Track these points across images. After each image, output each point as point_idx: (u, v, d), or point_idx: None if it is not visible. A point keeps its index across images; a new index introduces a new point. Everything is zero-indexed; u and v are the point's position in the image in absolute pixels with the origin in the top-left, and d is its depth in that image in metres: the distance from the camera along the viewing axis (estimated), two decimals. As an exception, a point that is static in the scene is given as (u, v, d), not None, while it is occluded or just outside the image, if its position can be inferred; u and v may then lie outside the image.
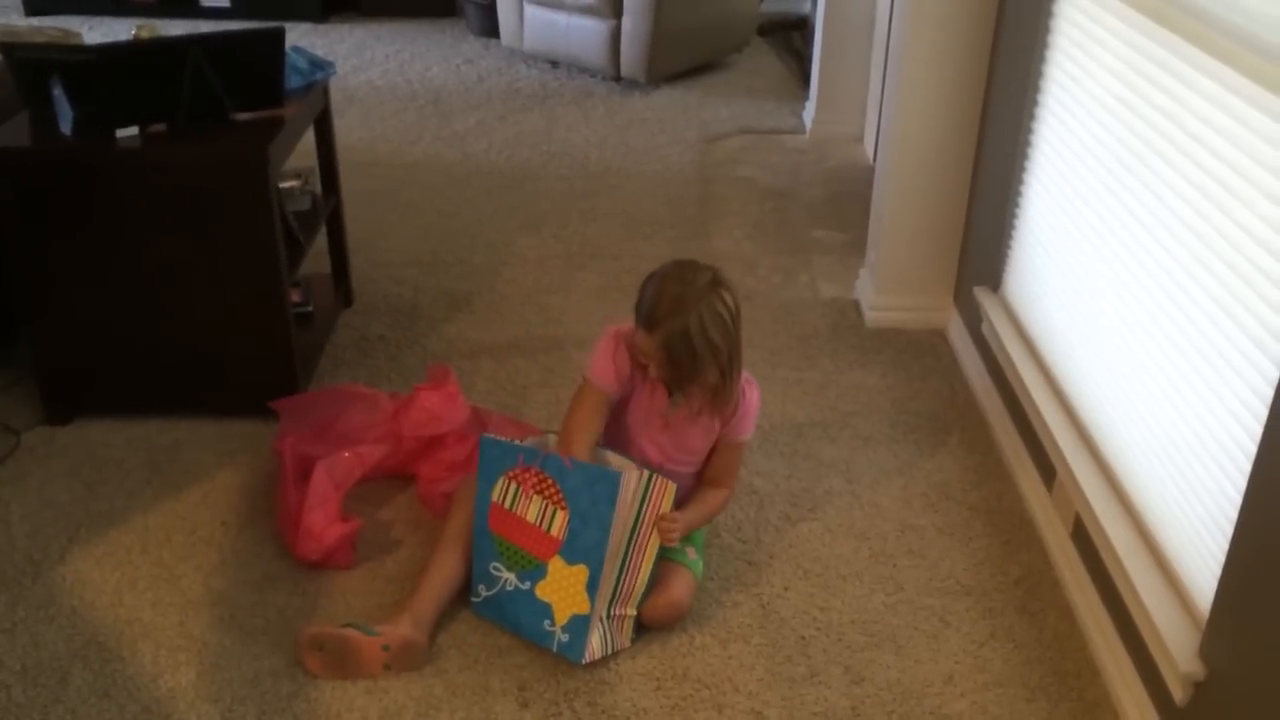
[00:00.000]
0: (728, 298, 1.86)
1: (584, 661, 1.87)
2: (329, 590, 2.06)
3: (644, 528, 1.84)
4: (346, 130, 4.22)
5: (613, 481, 1.80)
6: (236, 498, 2.30)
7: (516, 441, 1.94)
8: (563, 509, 1.85)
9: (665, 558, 2.00)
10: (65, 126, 2.30)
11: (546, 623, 1.90)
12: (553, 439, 2.00)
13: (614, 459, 1.95)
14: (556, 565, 1.88)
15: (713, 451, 2.07)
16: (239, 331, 2.44)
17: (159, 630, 1.97)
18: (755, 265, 3.36)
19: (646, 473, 1.81)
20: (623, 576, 1.88)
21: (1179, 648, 1.67)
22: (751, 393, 2.02)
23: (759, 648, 1.97)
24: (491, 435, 1.94)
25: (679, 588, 1.98)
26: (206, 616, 2.00)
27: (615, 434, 2.03)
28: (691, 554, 2.05)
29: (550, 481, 1.86)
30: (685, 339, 1.83)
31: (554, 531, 1.87)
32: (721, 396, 1.95)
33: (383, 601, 2.03)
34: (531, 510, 1.89)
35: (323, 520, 2.09)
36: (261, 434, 2.47)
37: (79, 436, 2.48)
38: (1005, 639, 2.00)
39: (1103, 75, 2.07)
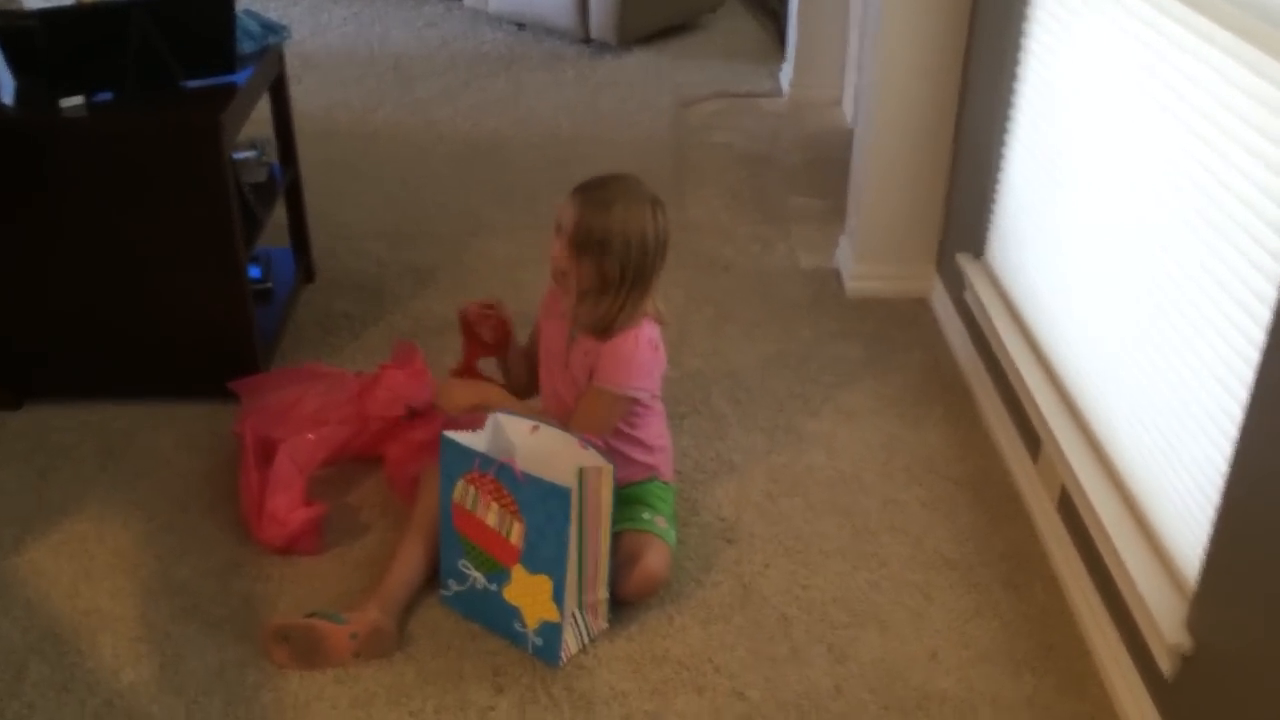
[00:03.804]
0: (662, 221, 1.95)
1: (560, 664, 1.88)
2: (294, 577, 2.06)
3: (589, 515, 1.84)
4: (303, 97, 4.17)
5: (564, 497, 1.80)
6: (196, 483, 2.30)
7: (473, 442, 1.91)
8: (519, 521, 1.85)
9: (634, 529, 2.01)
10: (6, 96, 2.27)
11: (517, 624, 1.91)
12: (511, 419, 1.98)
13: (507, 422, 1.94)
14: (520, 573, 1.88)
15: None
16: (195, 310, 2.42)
17: (118, 621, 1.96)
18: (732, 234, 3.36)
19: (576, 469, 1.81)
20: (584, 569, 1.88)
21: (1166, 620, 1.69)
22: (632, 340, 1.96)
23: (740, 627, 1.98)
24: (451, 434, 1.92)
25: (653, 558, 1.99)
26: (168, 606, 1.99)
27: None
28: (661, 523, 2.05)
29: (505, 492, 1.86)
30: (603, 217, 1.89)
31: (513, 540, 1.87)
32: (603, 311, 1.94)
33: (350, 588, 2.03)
34: (491, 516, 1.89)
35: (287, 504, 2.08)
36: (221, 416, 2.46)
37: (30, 422, 2.46)
38: (990, 614, 2.02)
39: (1085, 33, 2.08)
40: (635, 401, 2.02)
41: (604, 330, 1.96)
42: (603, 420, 2.01)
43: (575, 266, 1.93)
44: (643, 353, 1.99)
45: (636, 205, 1.92)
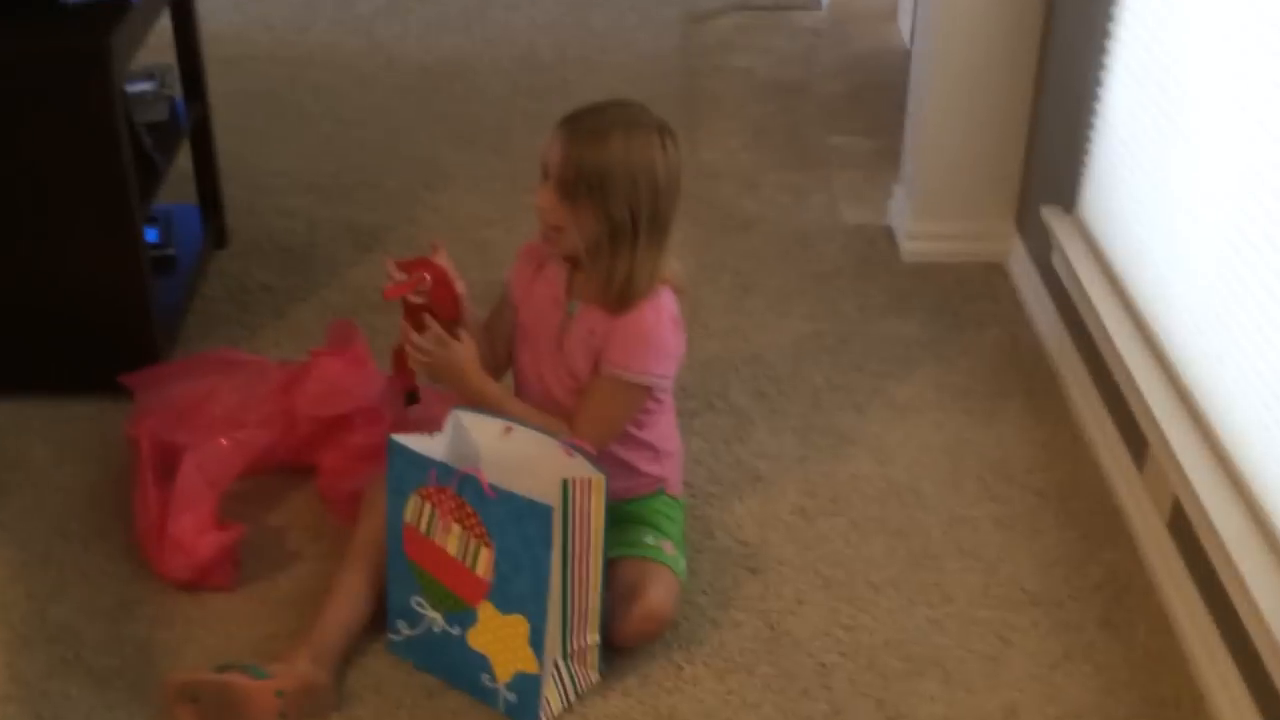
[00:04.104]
0: (672, 152, 1.93)
1: None
2: (204, 619, 2.06)
3: (575, 539, 1.84)
4: (213, 13, 4.15)
5: (544, 518, 1.79)
6: (79, 501, 2.29)
7: (429, 448, 1.90)
8: (487, 545, 1.85)
9: (633, 556, 2.01)
10: None
11: (485, 677, 1.91)
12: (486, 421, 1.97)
13: (472, 422, 1.94)
14: (488, 612, 1.88)
15: None
16: (78, 282, 2.42)
17: (-18, 676, 1.96)
18: (756, 183, 3.35)
19: (560, 481, 1.80)
20: (570, 606, 1.88)
21: (1305, 667, 1.69)
22: (653, 313, 1.96)
23: (766, 679, 1.98)
24: (400, 438, 1.91)
25: (657, 593, 1.98)
26: (44, 656, 1.99)
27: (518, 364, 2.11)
28: (668, 548, 2.05)
29: (469, 510, 1.86)
30: (598, 149, 1.88)
31: (480, 571, 1.87)
32: (618, 272, 1.93)
33: (275, 632, 2.03)
34: (451, 542, 1.89)
35: (194, 528, 2.08)
36: (110, 417, 2.45)
37: None
38: (1083, 659, 2.02)
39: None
40: (651, 392, 2.02)
41: (622, 298, 1.96)
42: (616, 418, 2.01)
43: (572, 217, 1.92)
44: (665, 329, 1.99)
45: (640, 133, 1.92)
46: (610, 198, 1.90)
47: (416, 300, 1.99)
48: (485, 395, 2.01)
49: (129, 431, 2.32)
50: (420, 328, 1.99)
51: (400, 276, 1.98)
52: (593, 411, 2.00)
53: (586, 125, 1.92)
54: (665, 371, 2.02)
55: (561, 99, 3.71)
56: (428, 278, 1.98)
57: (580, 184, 1.90)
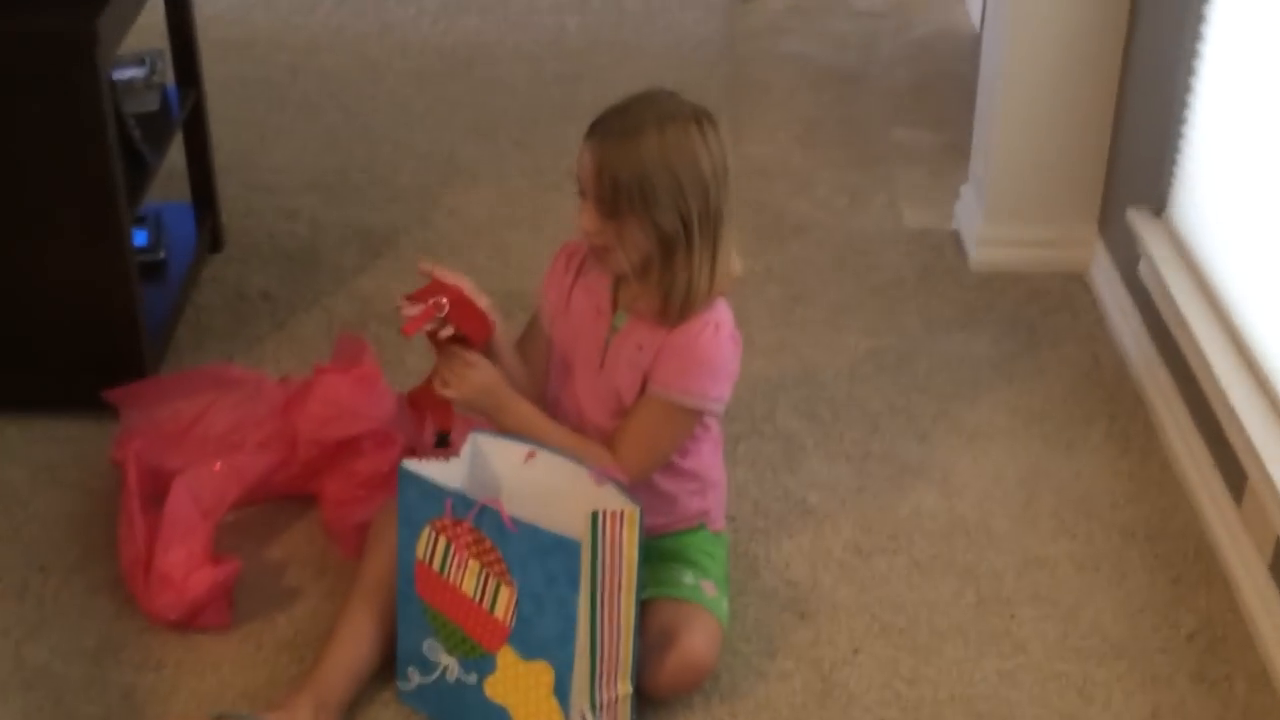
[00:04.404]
0: (714, 140, 1.92)
1: None
2: (195, 663, 2.06)
3: (606, 578, 1.83)
4: (210, -7, 4.20)
5: (571, 554, 1.79)
6: (59, 532, 2.30)
7: (444, 476, 1.91)
8: (507, 584, 1.86)
9: (671, 597, 2.01)
10: None
11: None
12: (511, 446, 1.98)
13: (492, 447, 1.94)
14: (509, 659, 1.89)
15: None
16: (58, 289, 2.44)
17: (-49, 723, 1.99)
18: (810, 182, 3.35)
19: (590, 515, 1.81)
20: (599, 653, 1.88)
21: None
22: (710, 330, 1.97)
23: (818, 737, 1.98)
24: (412, 464, 1.91)
25: (696, 640, 1.98)
26: (19, 702, 2.00)
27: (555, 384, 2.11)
28: (709, 589, 2.05)
29: (488, 545, 1.86)
30: (632, 152, 1.87)
31: (499, 614, 1.87)
32: (678, 285, 1.93)
33: (273, 677, 2.04)
34: (468, 580, 1.89)
35: (185, 561, 2.09)
36: (94, 437, 2.47)
37: None
38: (1175, 718, 2.00)
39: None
40: (702, 417, 2.03)
41: (683, 311, 1.96)
42: (663, 444, 2.01)
43: (618, 235, 1.92)
44: (723, 347, 1.99)
45: (675, 126, 1.91)
46: (655, 206, 1.89)
47: (443, 333, 1.93)
48: (525, 419, 1.99)
49: (114, 454, 2.34)
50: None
51: (413, 310, 1.92)
52: (637, 437, 1.99)
53: (615, 129, 1.91)
54: (720, 395, 2.01)
55: (592, 88, 3.72)
56: (445, 302, 1.93)
57: (620, 197, 1.89)
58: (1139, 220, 2.67)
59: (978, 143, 3.09)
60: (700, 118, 1.93)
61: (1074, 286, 2.97)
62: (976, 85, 3.13)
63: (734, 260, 2.01)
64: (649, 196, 1.88)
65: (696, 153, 1.90)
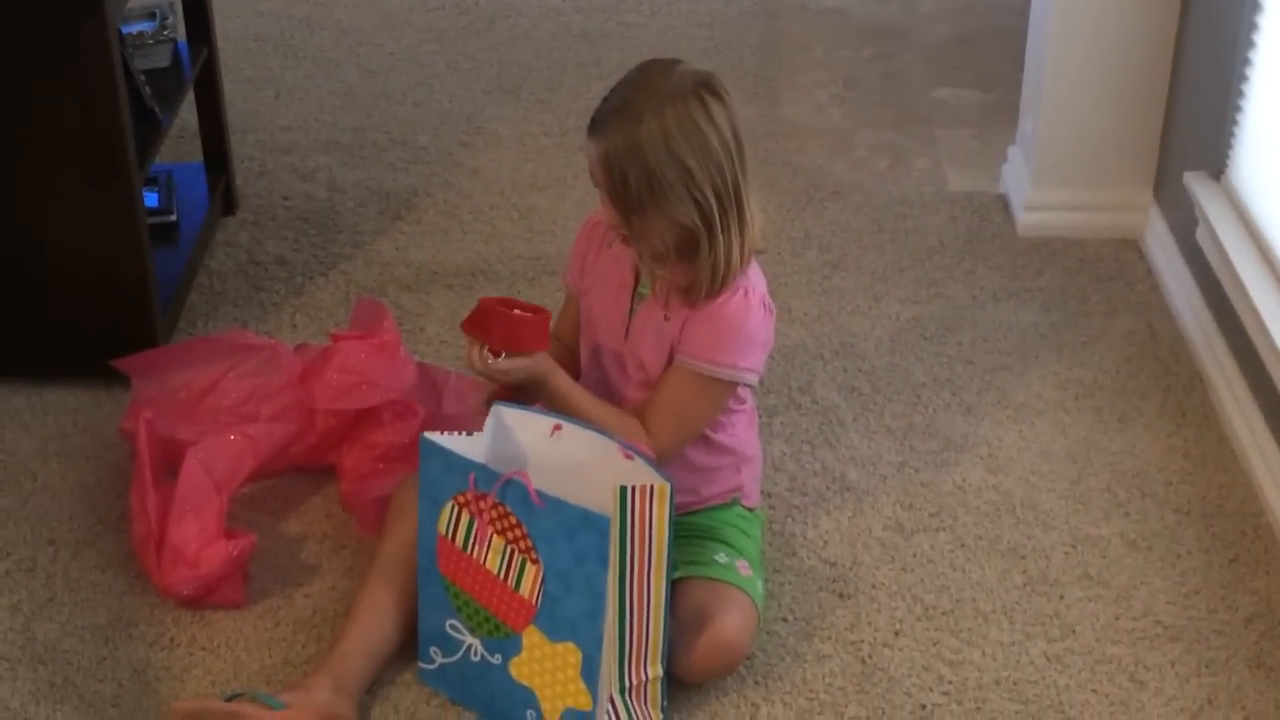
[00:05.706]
0: (717, 109, 1.91)
1: None
2: (210, 641, 2.07)
3: (635, 556, 1.83)
4: (223, -55, 4.19)
5: (599, 530, 1.79)
6: (69, 504, 2.31)
7: (467, 449, 1.90)
8: (533, 562, 1.85)
9: (704, 577, 2.01)
10: None
11: (530, 713, 1.92)
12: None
13: (516, 419, 1.94)
14: (534, 639, 1.89)
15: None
16: (66, 253, 2.44)
17: (-43, 702, 1.99)
18: (849, 143, 3.33)
19: (618, 490, 1.80)
20: (627, 633, 1.87)
21: None
22: (741, 298, 1.97)
23: (857, 723, 1.98)
24: (434, 436, 1.91)
25: (730, 621, 1.98)
26: (29, 680, 2.01)
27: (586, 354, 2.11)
28: (744, 568, 2.05)
29: (513, 520, 1.86)
30: (632, 143, 1.87)
31: (524, 592, 1.87)
32: (705, 267, 1.92)
33: (289, 656, 2.04)
34: (492, 556, 1.89)
35: (198, 536, 2.09)
36: (104, 407, 2.48)
37: None
38: (1230, 706, 2.00)
39: None
40: (735, 389, 2.02)
41: (713, 289, 1.95)
42: (695, 418, 2.01)
43: (640, 227, 1.92)
44: (755, 315, 1.99)
45: (676, 107, 1.89)
46: (669, 199, 1.89)
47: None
48: (567, 394, 1.99)
49: (125, 424, 2.34)
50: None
51: (483, 355, 1.93)
52: (666, 409, 1.99)
53: (611, 121, 1.91)
54: (752, 365, 2.01)
55: (620, 44, 3.71)
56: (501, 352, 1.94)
57: (632, 195, 1.89)
58: (1197, 184, 2.66)
59: (1026, 102, 3.07)
60: (700, 89, 1.91)
61: (1127, 253, 2.95)
62: (1025, 41, 3.11)
63: (756, 217, 1.99)
64: (660, 191, 1.88)
65: (704, 132, 1.89)
